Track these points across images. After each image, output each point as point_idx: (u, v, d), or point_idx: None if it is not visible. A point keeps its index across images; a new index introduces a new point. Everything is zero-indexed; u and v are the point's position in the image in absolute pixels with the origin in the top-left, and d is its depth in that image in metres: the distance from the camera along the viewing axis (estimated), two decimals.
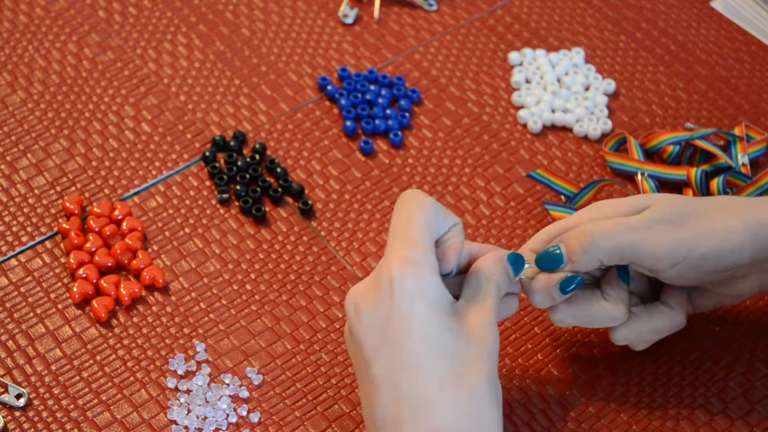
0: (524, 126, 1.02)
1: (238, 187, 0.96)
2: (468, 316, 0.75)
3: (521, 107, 1.04)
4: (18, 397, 0.84)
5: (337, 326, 0.89)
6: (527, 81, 1.06)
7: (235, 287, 0.91)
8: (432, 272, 0.74)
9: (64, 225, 0.92)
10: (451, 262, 0.77)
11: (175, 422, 0.84)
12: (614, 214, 0.81)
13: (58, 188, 0.96)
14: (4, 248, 0.92)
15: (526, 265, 0.80)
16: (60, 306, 0.89)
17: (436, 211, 0.76)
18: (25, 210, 0.95)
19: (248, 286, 0.91)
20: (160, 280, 0.90)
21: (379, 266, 0.75)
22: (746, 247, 0.80)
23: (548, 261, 0.80)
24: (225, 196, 0.95)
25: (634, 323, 0.83)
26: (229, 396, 0.85)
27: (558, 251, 0.80)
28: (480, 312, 0.76)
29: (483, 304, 0.76)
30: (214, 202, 0.96)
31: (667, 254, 0.79)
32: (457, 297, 0.78)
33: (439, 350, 0.72)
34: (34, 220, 0.94)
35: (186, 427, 0.83)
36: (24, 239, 0.93)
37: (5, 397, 0.84)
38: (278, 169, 0.97)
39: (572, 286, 0.80)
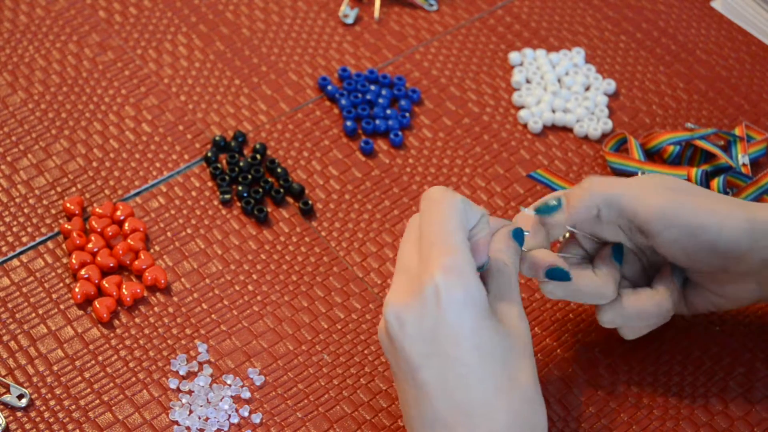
0: (524, 126, 1.03)
1: (240, 188, 0.96)
2: (502, 312, 0.75)
3: (521, 107, 1.04)
4: (20, 397, 0.84)
5: (339, 327, 0.89)
6: (527, 81, 1.06)
7: (237, 288, 0.91)
8: (474, 276, 0.73)
9: (66, 225, 0.93)
10: (483, 256, 0.77)
11: (176, 423, 0.84)
12: None
13: (59, 189, 0.96)
14: (4, 248, 0.92)
15: (525, 234, 0.81)
16: (62, 306, 0.89)
17: (466, 208, 0.76)
18: (26, 210, 0.95)
19: (250, 287, 0.91)
20: (162, 281, 0.90)
21: (417, 273, 0.73)
22: (745, 235, 0.79)
23: (547, 209, 0.81)
24: (227, 196, 0.95)
25: (620, 304, 0.83)
26: (231, 397, 0.85)
27: (555, 202, 0.81)
28: (511, 306, 0.76)
29: (511, 296, 0.76)
30: (216, 202, 0.96)
31: (665, 212, 0.79)
32: None
33: (489, 356, 0.72)
34: (34, 220, 0.94)
35: (188, 428, 0.83)
36: (24, 239, 0.93)
37: (7, 398, 0.84)
38: (278, 170, 0.97)
39: (557, 275, 0.80)
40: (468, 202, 0.76)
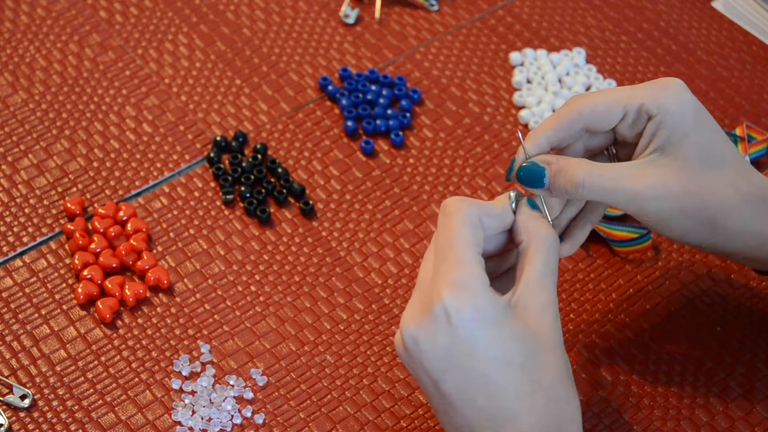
0: (525, 126, 1.03)
1: (242, 189, 0.96)
2: (529, 306, 0.73)
3: (522, 107, 1.04)
4: (23, 398, 0.84)
5: (342, 328, 0.89)
6: (528, 81, 1.06)
7: (240, 288, 0.91)
8: (484, 289, 0.72)
9: (69, 226, 0.92)
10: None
11: (179, 423, 0.84)
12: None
13: (60, 189, 0.96)
14: (5, 248, 0.92)
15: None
16: (65, 307, 0.89)
17: (480, 218, 0.75)
18: (27, 210, 0.95)
19: (253, 288, 0.91)
20: (165, 281, 0.90)
21: (428, 291, 0.73)
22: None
23: (530, 180, 0.79)
24: (230, 197, 0.95)
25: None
26: (234, 397, 0.85)
27: (545, 181, 0.79)
28: (540, 293, 0.74)
29: (542, 280, 0.74)
30: (218, 203, 0.96)
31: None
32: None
33: (508, 365, 0.72)
34: (35, 220, 0.94)
35: (191, 428, 0.83)
36: (25, 240, 0.93)
37: (10, 398, 0.84)
38: (279, 170, 0.97)
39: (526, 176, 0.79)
40: (485, 210, 0.76)
